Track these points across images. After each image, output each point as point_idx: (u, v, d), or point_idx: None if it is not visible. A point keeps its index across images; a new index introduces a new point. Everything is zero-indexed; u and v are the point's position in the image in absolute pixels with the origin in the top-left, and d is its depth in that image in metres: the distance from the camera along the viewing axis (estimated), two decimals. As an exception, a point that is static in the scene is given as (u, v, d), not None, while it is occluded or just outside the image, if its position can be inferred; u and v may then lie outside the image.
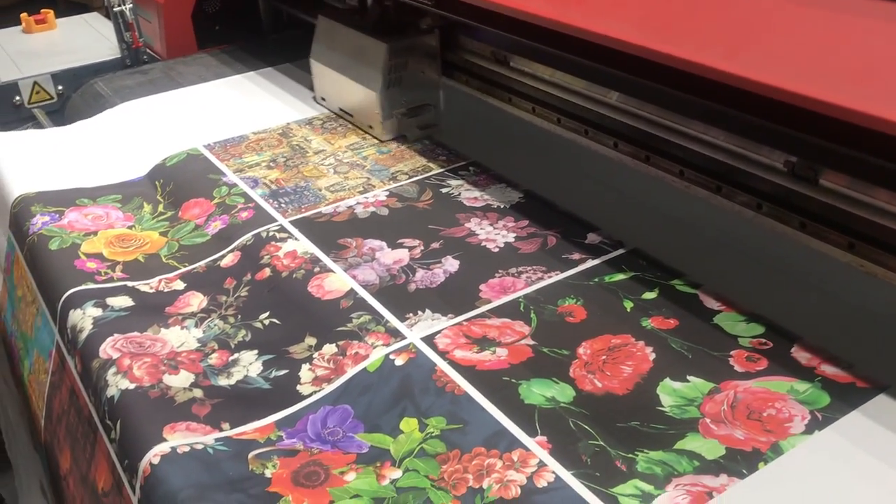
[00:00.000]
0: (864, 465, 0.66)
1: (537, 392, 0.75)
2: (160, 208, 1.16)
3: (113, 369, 0.83)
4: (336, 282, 0.93)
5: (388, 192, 1.13)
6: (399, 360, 0.80)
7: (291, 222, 1.06)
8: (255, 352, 0.86)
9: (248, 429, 0.76)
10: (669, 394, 0.74)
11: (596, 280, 0.91)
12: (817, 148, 0.74)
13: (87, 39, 1.98)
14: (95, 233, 1.10)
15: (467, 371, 0.78)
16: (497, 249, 0.98)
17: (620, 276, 0.91)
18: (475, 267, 0.95)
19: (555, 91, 1.09)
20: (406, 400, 0.76)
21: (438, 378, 0.77)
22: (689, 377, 0.76)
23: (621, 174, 1.03)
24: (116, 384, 0.81)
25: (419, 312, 0.87)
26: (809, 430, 0.69)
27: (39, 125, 1.68)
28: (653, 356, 0.79)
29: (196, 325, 0.91)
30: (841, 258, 0.77)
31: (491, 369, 0.78)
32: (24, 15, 2.06)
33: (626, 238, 0.97)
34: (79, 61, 1.81)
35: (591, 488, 0.65)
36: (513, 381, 0.77)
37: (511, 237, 1.00)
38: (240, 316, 0.92)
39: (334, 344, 0.84)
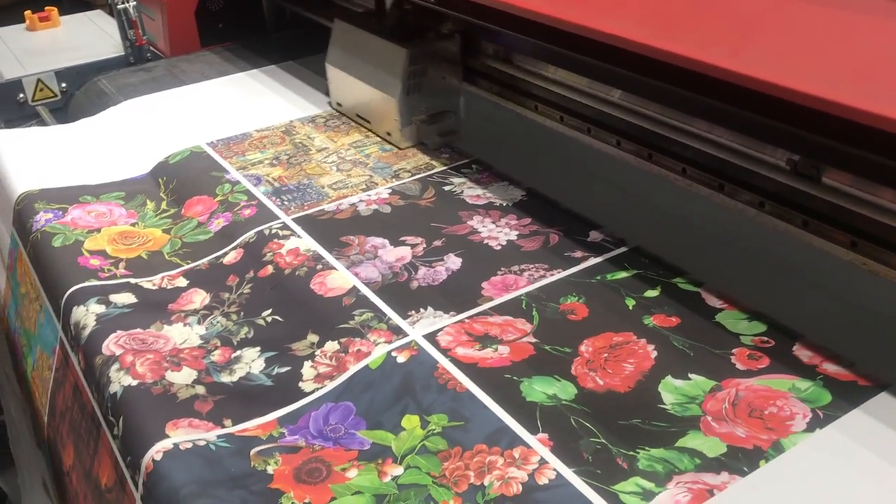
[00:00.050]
0: (865, 463, 0.66)
1: (539, 389, 0.75)
2: (163, 205, 1.17)
3: (116, 366, 0.83)
4: (338, 279, 0.93)
5: (390, 190, 1.13)
6: (401, 358, 0.80)
7: (294, 220, 1.06)
8: (258, 349, 0.86)
9: (251, 425, 0.76)
10: (671, 391, 0.74)
11: (598, 278, 0.91)
12: (820, 146, 0.74)
13: (91, 37, 1.98)
14: (99, 230, 1.10)
15: (469, 368, 0.78)
16: (499, 247, 0.98)
17: (622, 274, 0.91)
18: (477, 265, 0.95)
19: (557, 89, 1.09)
20: (408, 397, 0.76)
21: (440, 375, 0.77)
22: (690, 375, 0.76)
23: (624, 172, 1.03)
24: (119, 381, 0.81)
25: (421, 310, 0.87)
26: (811, 428, 0.69)
27: (43, 122, 1.69)
28: (654, 354, 0.79)
29: (199, 322, 0.91)
30: (843, 256, 0.77)
31: (493, 367, 0.79)
32: (28, 12, 2.06)
33: (629, 236, 0.97)
34: (82, 59, 1.81)
35: (592, 485, 0.65)
36: (514, 378, 0.77)
37: (513, 235, 1.00)
38: (242, 313, 0.92)
39: (336, 341, 0.84)
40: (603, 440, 0.69)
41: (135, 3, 1.76)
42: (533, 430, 0.71)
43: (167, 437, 0.74)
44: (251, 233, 1.04)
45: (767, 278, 0.88)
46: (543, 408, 0.73)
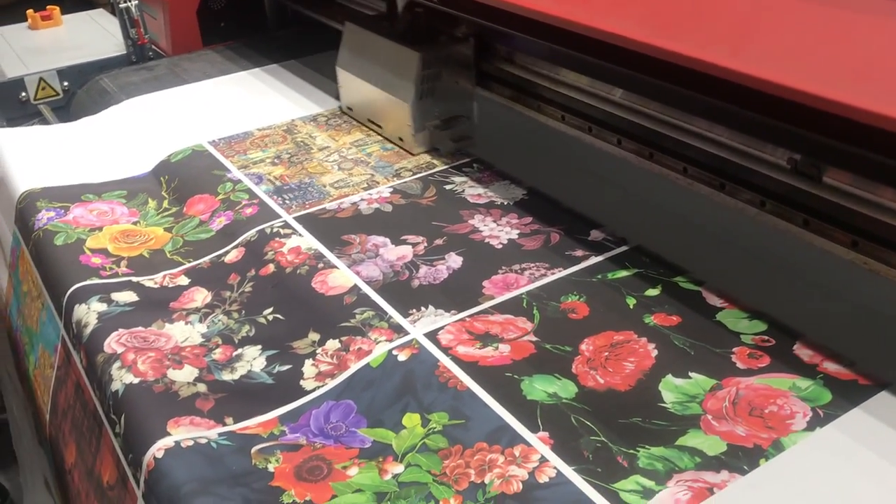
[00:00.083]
0: (865, 461, 0.66)
1: (539, 388, 0.76)
2: (165, 204, 1.17)
3: (117, 364, 0.84)
4: (340, 278, 0.93)
5: (391, 189, 1.13)
6: (402, 356, 0.80)
7: (295, 218, 1.06)
8: (259, 347, 0.86)
9: (252, 423, 0.76)
10: (671, 390, 0.74)
11: (599, 277, 0.91)
12: (821, 145, 0.74)
13: (93, 36, 1.98)
14: (100, 228, 1.10)
15: (470, 367, 0.78)
16: (500, 246, 0.98)
17: (623, 273, 0.91)
18: (478, 263, 0.95)
19: (559, 88, 1.09)
20: (409, 395, 0.76)
21: (441, 374, 0.78)
22: (691, 374, 0.76)
23: (625, 171, 1.03)
24: (121, 378, 0.82)
25: (422, 308, 0.87)
26: (811, 426, 0.69)
27: (45, 121, 1.69)
28: (655, 353, 0.79)
29: (200, 321, 0.91)
30: (844, 256, 0.77)
31: (493, 365, 0.79)
32: (30, 11, 2.06)
33: (630, 235, 0.97)
34: (84, 58, 1.81)
35: (592, 484, 0.65)
36: (515, 376, 0.77)
37: (514, 234, 1.00)
38: (244, 311, 0.92)
39: (338, 339, 0.84)
40: (603, 438, 0.70)
41: (137, 1, 1.76)
42: (533, 429, 0.71)
43: (168, 434, 0.74)
44: (252, 231, 1.04)
45: (768, 277, 0.89)
46: (544, 406, 0.73)
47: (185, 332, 0.89)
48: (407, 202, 1.09)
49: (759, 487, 0.64)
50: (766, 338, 0.79)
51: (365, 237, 1.01)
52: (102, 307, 0.93)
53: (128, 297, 0.95)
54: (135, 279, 0.99)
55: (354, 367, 0.80)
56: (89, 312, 0.92)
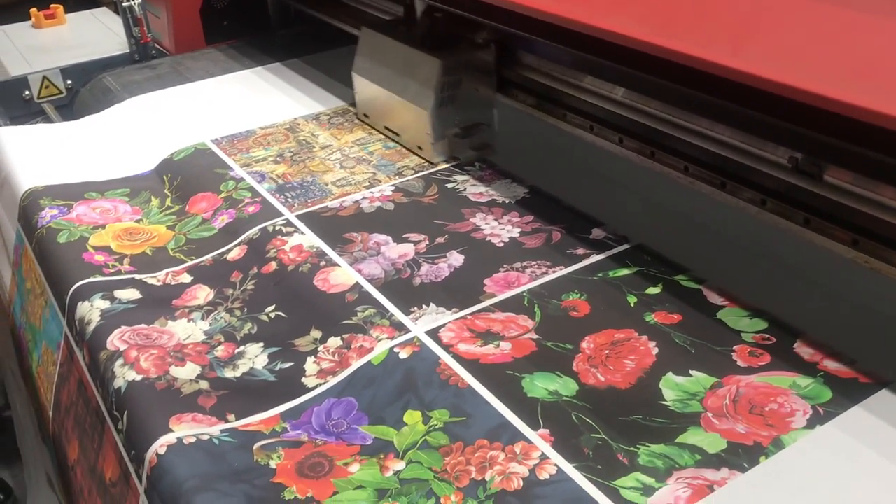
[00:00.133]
0: (865, 459, 0.66)
1: (540, 386, 0.76)
2: (168, 202, 1.17)
3: (120, 361, 0.84)
4: (341, 276, 0.94)
5: (393, 187, 1.13)
6: (403, 354, 0.80)
7: (298, 216, 1.07)
8: (261, 344, 0.87)
9: (254, 420, 0.77)
10: (672, 388, 0.74)
11: (600, 275, 0.91)
12: (822, 144, 0.75)
13: (96, 34, 1.99)
14: (103, 226, 1.10)
15: (471, 364, 0.79)
16: (502, 244, 0.98)
17: (624, 272, 0.91)
18: (480, 261, 0.95)
19: (560, 87, 1.09)
20: (410, 393, 0.77)
21: (442, 371, 0.78)
22: (691, 371, 0.76)
23: (626, 170, 1.03)
24: (123, 376, 0.82)
25: (424, 306, 0.88)
26: (811, 424, 0.69)
27: (48, 119, 1.69)
28: (656, 351, 0.79)
29: (202, 318, 0.91)
30: (845, 254, 0.77)
31: (494, 363, 0.79)
32: (33, 10, 2.07)
33: (631, 233, 0.97)
34: (88, 56, 1.82)
35: (592, 481, 0.66)
36: (516, 374, 0.77)
37: (516, 232, 1.00)
38: (246, 309, 0.92)
39: (339, 337, 0.85)
40: (604, 436, 0.70)
41: (140, 0, 1.77)
42: (534, 426, 0.71)
43: (171, 431, 0.74)
44: (255, 229, 1.05)
45: (769, 276, 0.89)
46: (545, 404, 0.74)
47: (187, 330, 0.90)
48: (409, 200, 1.10)
49: (759, 485, 0.64)
50: (767, 336, 0.79)
51: (367, 235, 1.02)
52: (105, 304, 0.93)
53: (130, 294, 0.96)
54: (137, 277, 0.99)
55: (356, 364, 0.81)
56: (92, 310, 0.93)
